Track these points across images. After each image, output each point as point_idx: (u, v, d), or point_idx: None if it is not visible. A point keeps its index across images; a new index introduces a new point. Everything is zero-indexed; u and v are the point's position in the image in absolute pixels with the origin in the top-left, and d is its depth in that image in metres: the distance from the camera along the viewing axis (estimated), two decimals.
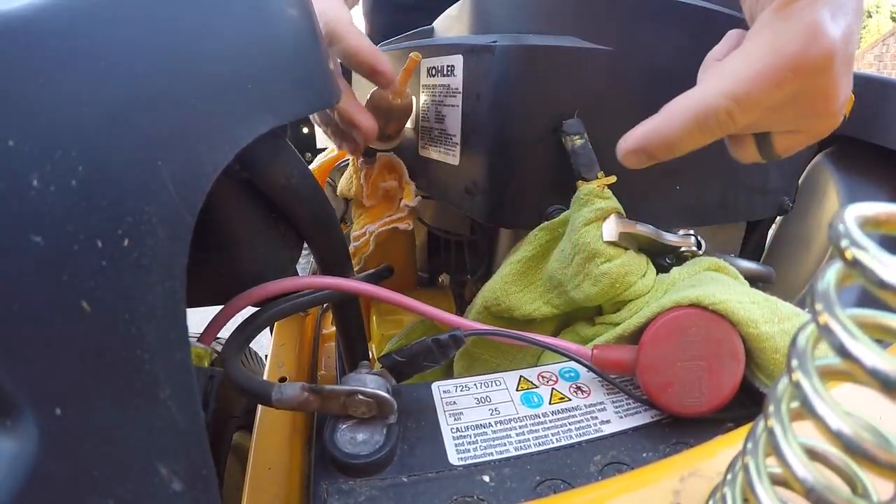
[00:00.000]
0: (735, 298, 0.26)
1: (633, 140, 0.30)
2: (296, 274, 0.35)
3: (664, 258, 0.36)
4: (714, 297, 0.26)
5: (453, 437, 0.26)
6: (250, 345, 0.33)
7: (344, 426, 0.25)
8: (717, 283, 0.29)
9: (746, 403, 0.28)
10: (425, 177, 0.44)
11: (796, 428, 0.14)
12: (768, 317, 0.26)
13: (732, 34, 0.32)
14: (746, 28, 0.31)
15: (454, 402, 0.28)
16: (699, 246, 0.35)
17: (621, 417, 0.27)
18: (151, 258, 0.16)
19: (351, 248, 0.46)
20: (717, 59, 0.31)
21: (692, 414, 0.26)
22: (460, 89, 0.37)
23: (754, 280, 0.38)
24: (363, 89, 0.57)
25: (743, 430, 0.24)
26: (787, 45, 0.26)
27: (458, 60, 0.37)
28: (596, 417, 0.27)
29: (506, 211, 0.36)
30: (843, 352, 0.12)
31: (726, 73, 0.28)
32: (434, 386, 0.29)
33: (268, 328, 0.53)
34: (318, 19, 0.26)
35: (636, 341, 0.28)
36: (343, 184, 0.47)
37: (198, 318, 0.23)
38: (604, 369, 0.28)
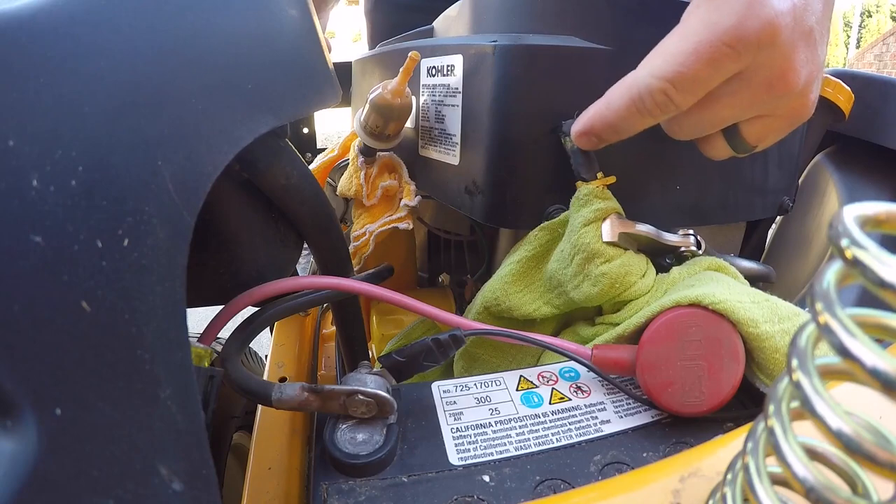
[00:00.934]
0: (735, 298, 0.26)
1: (581, 123, 0.31)
2: (296, 274, 0.35)
3: (664, 258, 0.36)
4: (714, 297, 0.26)
5: (453, 436, 0.26)
6: (250, 345, 0.33)
7: (344, 426, 0.25)
8: (718, 282, 0.29)
9: (746, 403, 0.28)
10: (425, 177, 0.44)
11: (796, 428, 0.14)
12: (768, 316, 0.26)
13: None
14: None
15: (454, 402, 0.28)
16: (699, 246, 0.35)
17: (621, 417, 0.27)
18: (151, 258, 0.16)
19: (351, 248, 0.46)
20: None
21: (692, 414, 0.26)
22: (460, 89, 0.37)
23: (755, 280, 0.38)
24: (363, 90, 0.57)
25: (743, 430, 0.24)
26: (721, 19, 0.25)
27: (458, 60, 0.37)
28: (596, 417, 0.27)
29: (506, 211, 0.36)
30: (843, 351, 0.12)
31: (659, 52, 0.27)
32: (434, 386, 0.29)
33: (268, 328, 0.53)
34: None
35: (636, 341, 0.28)
36: (343, 184, 0.47)
37: (198, 318, 0.23)
38: (604, 369, 0.28)
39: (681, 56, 0.26)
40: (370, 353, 0.49)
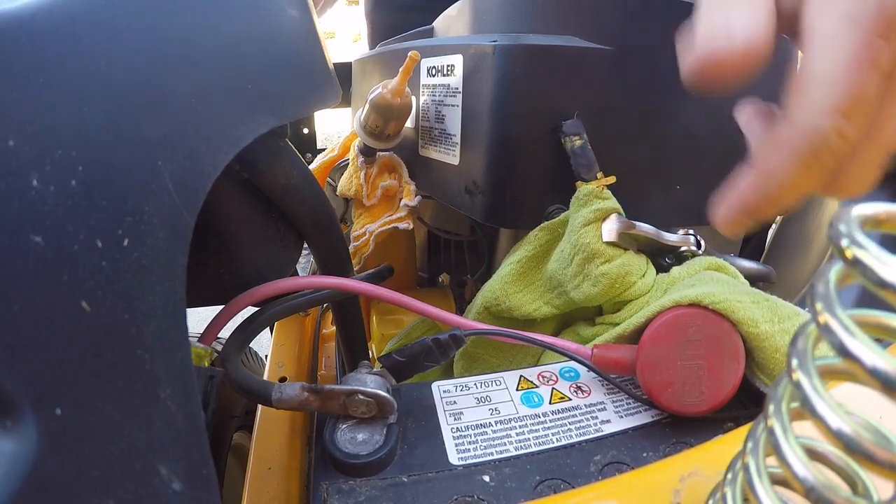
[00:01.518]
0: (735, 298, 0.26)
1: (731, 206, 0.23)
2: (296, 274, 0.35)
3: (664, 258, 0.36)
4: (714, 297, 0.26)
5: (453, 436, 0.26)
6: (250, 345, 0.33)
7: (344, 426, 0.25)
8: (717, 282, 0.29)
9: (746, 403, 0.28)
10: (425, 177, 0.44)
11: (796, 428, 0.14)
12: (768, 316, 0.26)
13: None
14: None
15: (454, 402, 0.28)
16: (699, 246, 0.35)
17: (621, 417, 0.27)
18: (151, 258, 0.16)
19: (351, 248, 0.46)
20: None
21: (692, 413, 0.26)
22: (460, 89, 0.37)
23: (755, 280, 0.38)
24: (363, 90, 0.57)
25: (743, 430, 0.24)
26: (860, 7, 0.19)
27: (458, 60, 0.37)
28: (596, 417, 0.27)
29: (506, 211, 0.36)
30: (843, 351, 0.12)
31: (809, 83, 0.20)
32: (434, 386, 0.29)
33: (268, 328, 0.53)
34: None
35: (636, 341, 0.28)
36: (343, 184, 0.47)
37: (198, 318, 0.23)
38: (604, 369, 0.28)
39: (837, 75, 0.20)
40: (370, 353, 0.49)
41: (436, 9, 0.49)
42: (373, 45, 0.88)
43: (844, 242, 0.12)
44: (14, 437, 0.13)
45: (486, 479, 0.23)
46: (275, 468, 0.41)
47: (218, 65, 0.19)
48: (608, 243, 0.32)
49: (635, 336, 0.28)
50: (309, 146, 0.89)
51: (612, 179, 0.33)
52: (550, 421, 0.27)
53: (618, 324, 0.31)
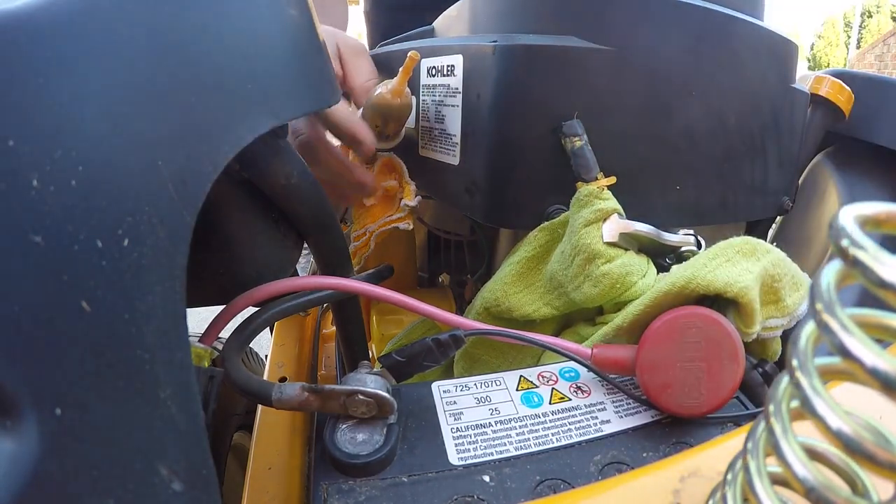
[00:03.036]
0: (714, 264, 0.29)
1: None
2: (296, 274, 0.35)
3: (665, 258, 0.36)
4: (705, 272, 0.28)
5: (453, 436, 0.26)
6: (250, 345, 0.33)
7: (344, 426, 0.25)
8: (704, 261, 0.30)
9: (746, 404, 0.28)
10: (425, 177, 0.44)
11: (796, 428, 0.14)
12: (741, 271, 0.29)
13: None
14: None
15: (454, 402, 0.28)
16: (699, 246, 0.35)
17: (621, 417, 0.27)
18: (151, 258, 0.16)
19: (351, 248, 0.46)
20: None
21: (691, 415, 0.26)
22: (460, 89, 0.37)
23: None
24: None
25: (743, 430, 0.24)
26: None
27: (458, 60, 0.37)
28: (596, 417, 0.27)
29: (506, 211, 0.36)
30: (843, 351, 0.12)
31: None
32: (434, 386, 0.29)
33: (268, 328, 0.53)
34: None
35: (635, 332, 0.28)
36: None
37: (198, 318, 0.23)
38: (604, 369, 0.28)
39: None
40: (370, 353, 0.49)
41: (436, 9, 0.49)
42: (372, 45, 0.88)
43: (845, 242, 0.12)
44: (14, 437, 0.13)
45: (486, 479, 0.23)
46: (275, 468, 0.41)
47: (218, 64, 0.19)
48: (609, 244, 0.32)
49: (634, 328, 0.29)
50: None
51: (612, 180, 0.33)
52: (550, 421, 0.27)
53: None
